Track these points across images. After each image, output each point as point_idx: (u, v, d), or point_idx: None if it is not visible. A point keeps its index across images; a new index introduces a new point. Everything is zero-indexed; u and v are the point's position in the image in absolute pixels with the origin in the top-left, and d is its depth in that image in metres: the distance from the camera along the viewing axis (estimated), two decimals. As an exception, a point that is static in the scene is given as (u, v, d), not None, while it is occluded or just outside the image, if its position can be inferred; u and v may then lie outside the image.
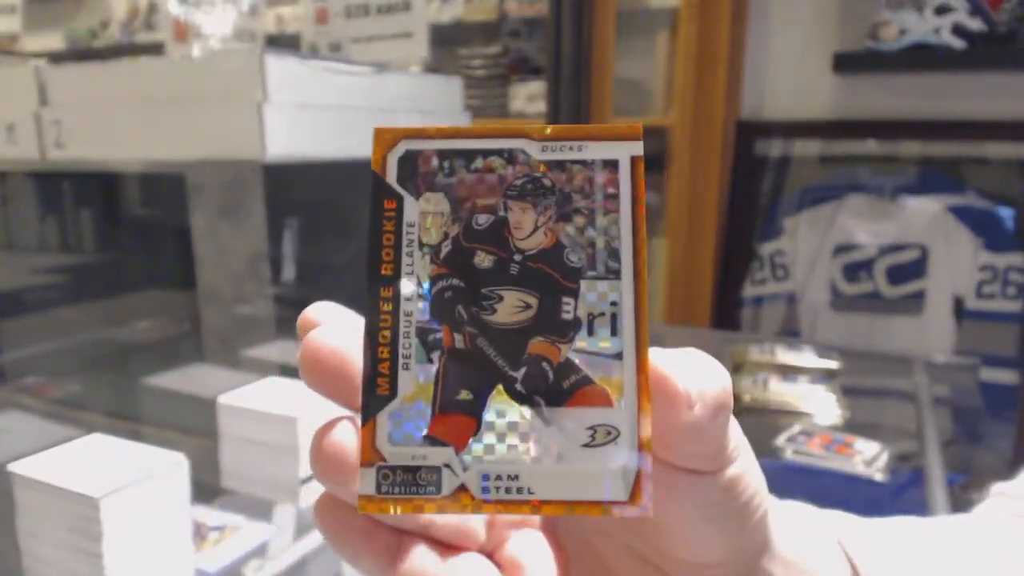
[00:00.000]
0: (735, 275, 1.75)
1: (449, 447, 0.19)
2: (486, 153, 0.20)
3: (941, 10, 1.48)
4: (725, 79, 1.65)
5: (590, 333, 0.19)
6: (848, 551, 0.29)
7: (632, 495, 0.18)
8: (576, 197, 0.20)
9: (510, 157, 0.20)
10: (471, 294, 0.19)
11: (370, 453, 0.18)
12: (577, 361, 0.19)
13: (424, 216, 0.20)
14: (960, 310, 1.56)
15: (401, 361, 0.19)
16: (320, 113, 0.86)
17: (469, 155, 0.20)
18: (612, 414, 0.18)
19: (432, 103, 1.09)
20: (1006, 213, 1.53)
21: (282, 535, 0.69)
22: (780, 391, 1.03)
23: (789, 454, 0.85)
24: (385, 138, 0.20)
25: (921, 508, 0.74)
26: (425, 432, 0.19)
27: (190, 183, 0.90)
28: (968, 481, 0.83)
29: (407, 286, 0.19)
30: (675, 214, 1.74)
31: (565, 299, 0.19)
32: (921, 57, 1.50)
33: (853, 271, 1.63)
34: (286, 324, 0.95)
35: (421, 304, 0.19)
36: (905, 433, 0.96)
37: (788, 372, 1.10)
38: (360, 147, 0.91)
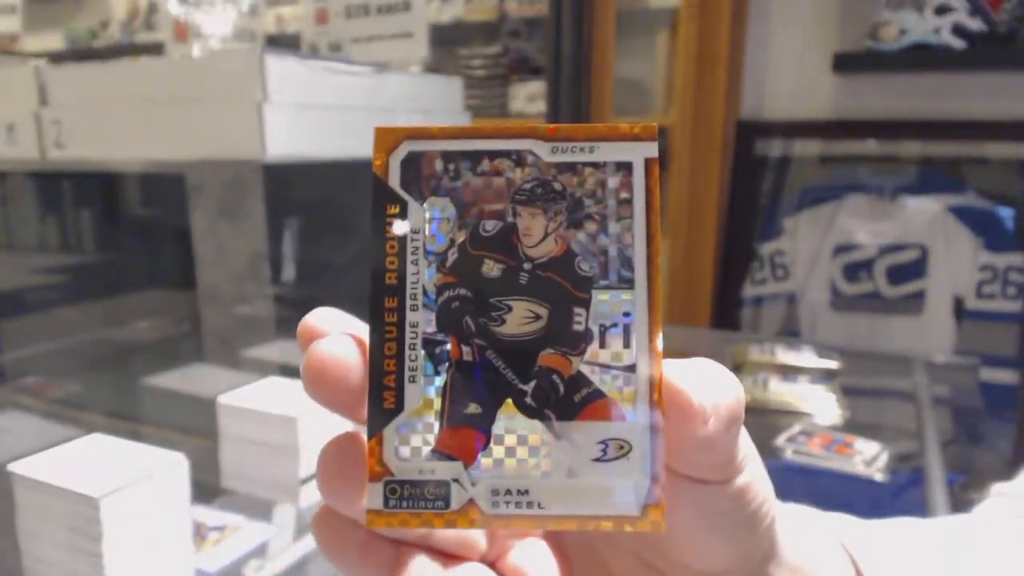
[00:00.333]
0: (735, 275, 1.75)
1: (458, 461, 0.18)
2: (493, 155, 0.19)
3: (941, 10, 1.48)
4: (725, 79, 1.65)
5: (602, 345, 0.18)
6: (851, 553, 0.29)
7: (645, 510, 0.18)
8: (588, 202, 0.19)
9: (518, 159, 0.19)
10: (479, 304, 0.19)
11: (377, 468, 0.18)
12: (588, 373, 0.18)
13: (429, 222, 0.19)
14: (960, 310, 1.56)
15: (408, 374, 0.18)
16: (320, 113, 0.86)
17: (475, 157, 0.19)
18: (624, 428, 0.18)
19: (432, 103, 1.09)
20: (1006, 213, 1.53)
21: (282, 535, 0.69)
22: (780, 391, 1.03)
23: (789, 454, 0.85)
24: (386, 139, 0.19)
25: (921, 508, 0.74)
26: (433, 446, 0.18)
27: (190, 183, 0.90)
28: (968, 481, 0.83)
29: (412, 296, 0.19)
30: (675, 214, 1.74)
31: (576, 309, 0.19)
32: (921, 57, 1.49)
33: (853, 271, 1.63)
34: (286, 324, 0.95)
35: (427, 315, 0.19)
36: (905, 433, 0.96)
37: (788, 372, 1.10)
38: (360, 147, 0.91)
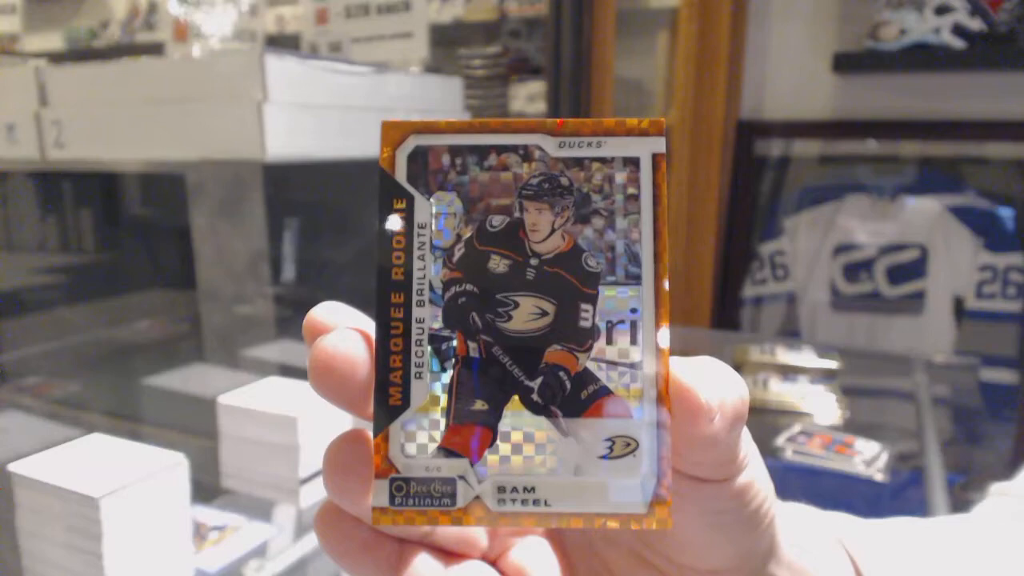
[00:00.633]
0: (735, 275, 1.75)
1: (464, 458, 0.18)
2: (500, 149, 0.19)
3: (941, 10, 1.48)
4: (725, 79, 1.65)
5: (609, 341, 0.18)
6: (851, 552, 0.29)
7: (651, 508, 0.18)
8: (595, 197, 0.19)
9: (525, 154, 0.19)
10: (485, 300, 0.19)
11: (383, 465, 0.18)
12: (595, 370, 0.18)
13: (436, 217, 0.19)
14: (960, 310, 1.56)
15: (414, 370, 0.18)
16: (320, 113, 0.86)
17: (482, 152, 0.19)
18: (631, 425, 0.18)
19: (432, 103, 1.09)
20: (1006, 213, 1.53)
21: (282, 535, 0.69)
22: (780, 391, 1.03)
23: (789, 454, 0.85)
24: (393, 133, 0.19)
25: (921, 508, 0.74)
26: (439, 443, 0.18)
27: (190, 183, 0.90)
28: (968, 481, 0.83)
29: (419, 292, 0.18)
30: (675, 214, 1.74)
31: (583, 306, 0.18)
32: (921, 57, 1.49)
33: (853, 271, 1.63)
34: (286, 324, 0.95)
35: (434, 311, 0.18)
36: (905, 433, 0.96)
37: (788, 372, 1.10)
38: (360, 147, 0.91)
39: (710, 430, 0.18)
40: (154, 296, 1.23)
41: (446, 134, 0.19)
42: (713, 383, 0.18)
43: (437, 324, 0.18)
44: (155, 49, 1.28)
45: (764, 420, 0.97)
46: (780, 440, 0.88)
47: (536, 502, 0.18)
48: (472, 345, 0.18)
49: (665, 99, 1.91)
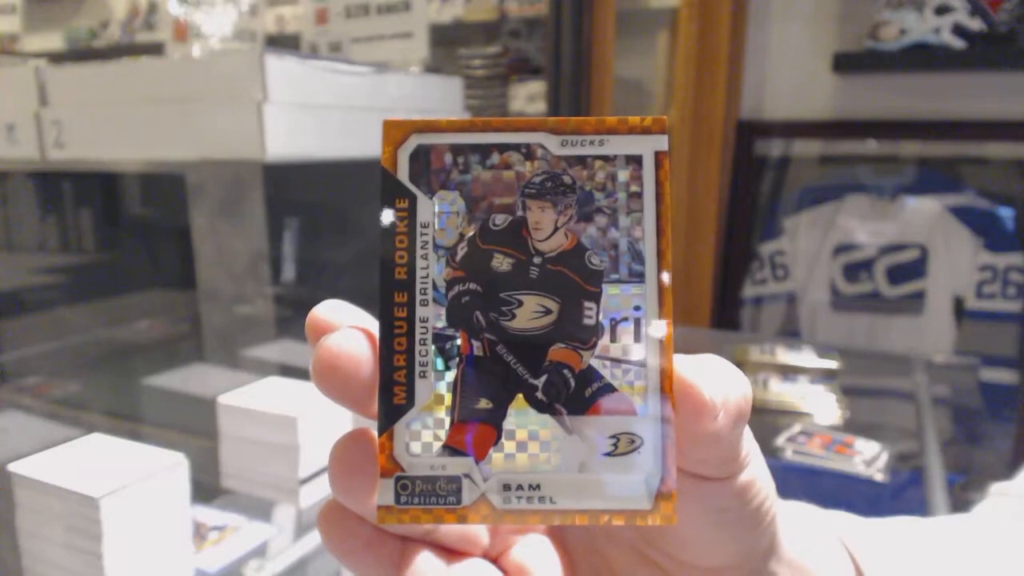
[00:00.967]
0: (735, 275, 1.75)
1: (469, 457, 0.18)
2: (502, 148, 0.19)
3: (941, 10, 1.48)
4: (725, 79, 1.65)
5: (612, 339, 0.18)
6: (851, 551, 0.29)
7: (656, 504, 0.18)
8: (598, 195, 0.19)
9: (528, 152, 0.19)
10: (489, 299, 0.19)
11: (388, 464, 0.18)
12: (599, 368, 0.18)
13: (438, 216, 0.19)
14: (960, 310, 1.56)
15: (418, 369, 0.18)
16: (320, 113, 0.86)
17: (484, 150, 0.19)
18: (635, 422, 0.18)
19: (432, 103, 1.09)
20: (1006, 213, 1.53)
21: (282, 535, 0.69)
22: (780, 391, 1.03)
23: (789, 454, 0.85)
24: (395, 132, 0.19)
25: (921, 508, 0.74)
26: (444, 442, 0.18)
27: (190, 183, 0.90)
28: (968, 481, 0.83)
29: (422, 291, 0.18)
30: (675, 214, 1.74)
31: (587, 304, 0.18)
32: (921, 57, 1.49)
33: (853, 271, 1.63)
34: (286, 324, 0.95)
35: (437, 310, 0.18)
36: (905, 433, 0.96)
37: (788, 372, 1.10)
38: (360, 147, 0.91)
39: (714, 427, 0.18)
40: (154, 296, 1.23)
41: (448, 133, 0.19)
42: (717, 380, 0.18)
43: (441, 323, 0.18)
44: (155, 49, 1.28)
45: (764, 420, 0.97)
46: (780, 440, 0.88)
47: (541, 499, 0.18)
48: (476, 344, 0.19)
49: (665, 99, 1.91)
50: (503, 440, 0.18)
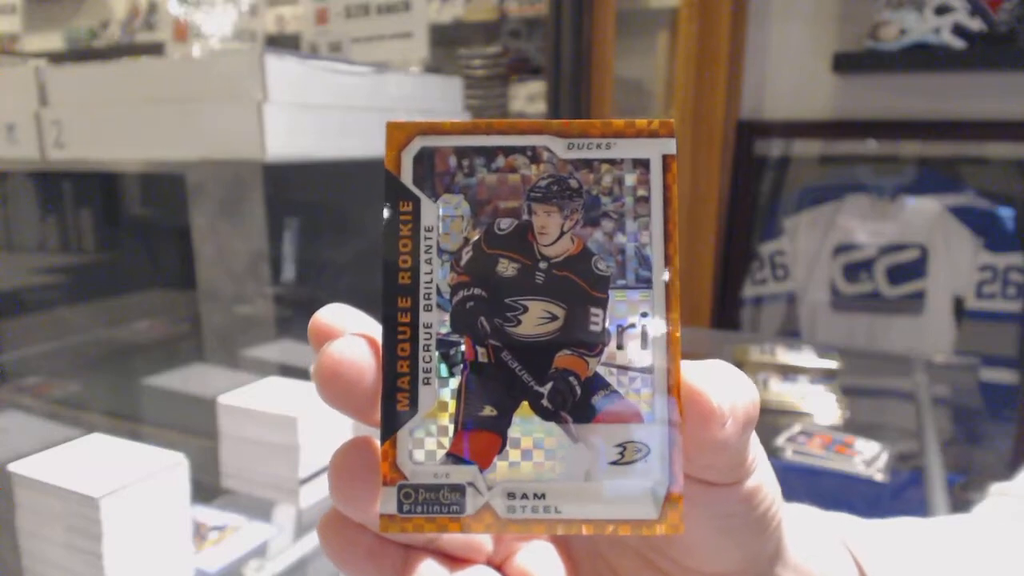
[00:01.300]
0: (735, 275, 1.75)
1: (473, 465, 0.18)
2: (507, 151, 0.18)
3: (941, 10, 1.48)
4: (725, 79, 1.65)
5: (619, 346, 0.18)
6: (854, 553, 0.29)
7: (663, 513, 0.17)
8: (604, 199, 0.18)
9: (533, 155, 0.19)
10: (494, 304, 0.18)
11: (391, 472, 0.18)
12: (605, 375, 0.18)
13: (443, 220, 0.18)
14: (960, 310, 1.56)
15: (422, 376, 0.18)
16: (320, 113, 0.86)
17: (489, 153, 0.18)
18: (642, 430, 0.18)
19: (432, 103, 1.09)
20: (1006, 213, 1.53)
21: (282, 535, 0.69)
22: (780, 391, 1.03)
23: (789, 454, 0.85)
24: (398, 135, 0.19)
25: (921, 508, 0.74)
26: (448, 449, 0.18)
27: (190, 183, 0.90)
28: (968, 481, 0.83)
29: (426, 296, 0.18)
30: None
31: (593, 310, 0.18)
32: (921, 57, 1.49)
33: (853, 271, 1.63)
34: (286, 324, 0.95)
35: (441, 315, 0.18)
36: (905, 433, 0.96)
37: (788, 372, 1.10)
38: (360, 147, 0.91)
39: (722, 434, 0.18)
40: (154, 296, 1.23)
41: (452, 135, 0.19)
42: (725, 387, 0.18)
43: (445, 329, 0.18)
44: (155, 49, 1.28)
45: (764, 420, 0.97)
46: (780, 440, 0.88)
47: (546, 509, 0.18)
48: (480, 350, 0.18)
49: (665, 99, 1.91)
50: (508, 448, 0.18)
